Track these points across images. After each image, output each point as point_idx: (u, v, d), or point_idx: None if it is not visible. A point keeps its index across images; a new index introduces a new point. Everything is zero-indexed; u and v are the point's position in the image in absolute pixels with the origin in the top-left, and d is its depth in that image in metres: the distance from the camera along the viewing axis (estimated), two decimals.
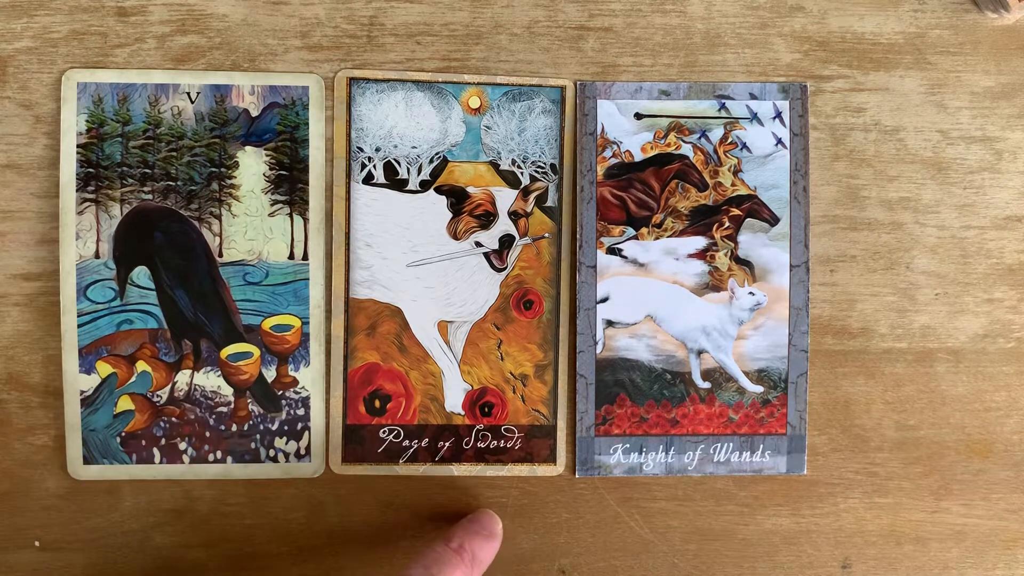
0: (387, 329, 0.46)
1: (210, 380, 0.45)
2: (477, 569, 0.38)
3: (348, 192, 0.46)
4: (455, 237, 0.46)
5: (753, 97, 0.47)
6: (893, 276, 0.47)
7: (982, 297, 0.48)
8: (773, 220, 0.47)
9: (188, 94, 0.45)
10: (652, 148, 0.47)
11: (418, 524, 0.46)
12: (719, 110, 0.47)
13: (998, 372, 0.48)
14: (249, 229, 0.45)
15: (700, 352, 0.47)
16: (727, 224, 0.47)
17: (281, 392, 0.46)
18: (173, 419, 0.45)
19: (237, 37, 0.45)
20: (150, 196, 0.45)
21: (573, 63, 0.47)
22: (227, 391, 0.45)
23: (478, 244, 0.46)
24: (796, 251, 0.47)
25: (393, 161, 0.46)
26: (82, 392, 0.45)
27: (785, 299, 0.47)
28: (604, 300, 0.47)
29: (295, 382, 0.46)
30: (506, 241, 0.46)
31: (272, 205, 0.45)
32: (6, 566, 0.45)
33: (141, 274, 0.45)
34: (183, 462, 0.45)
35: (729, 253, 0.47)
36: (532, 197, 0.47)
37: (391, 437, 0.46)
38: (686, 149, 0.47)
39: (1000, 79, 0.47)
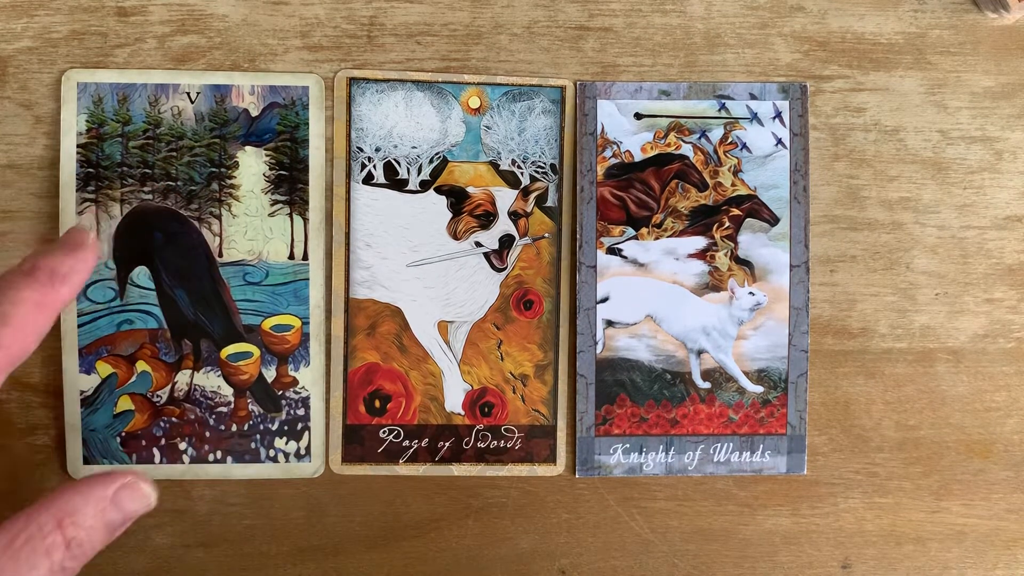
0: (387, 329, 0.46)
1: (210, 380, 0.45)
2: (63, 285, 0.32)
3: (348, 192, 0.46)
4: (455, 237, 0.46)
5: (753, 97, 0.47)
6: (893, 276, 0.47)
7: (982, 297, 0.48)
8: (773, 220, 0.47)
9: (188, 94, 0.45)
10: (652, 148, 0.47)
11: (418, 524, 0.46)
12: (719, 110, 0.47)
13: (998, 372, 0.48)
14: (249, 229, 0.45)
15: (700, 352, 0.47)
16: (727, 224, 0.47)
17: (281, 392, 0.46)
18: (173, 419, 0.45)
19: (237, 37, 0.45)
20: (150, 196, 0.45)
21: (573, 63, 0.47)
22: (227, 391, 0.45)
23: (478, 244, 0.46)
24: (796, 251, 0.47)
25: (393, 161, 0.46)
26: (82, 392, 0.45)
27: (785, 299, 0.47)
28: (604, 300, 0.47)
29: (295, 382, 0.46)
30: (506, 241, 0.46)
31: (272, 205, 0.45)
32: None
33: (141, 274, 0.45)
34: (183, 462, 0.45)
35: (729, 253, 0.47)
36: (532, 197, 0.47)
37: (391, 437, 0.46)
38: (686, 149, 0.47)
39: (1000, 79, 0.47)
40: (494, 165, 0.47)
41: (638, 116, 0.47)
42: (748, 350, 0.47)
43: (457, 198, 0.46)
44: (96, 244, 0.34)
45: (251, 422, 0.45)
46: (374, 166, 0.46)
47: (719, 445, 0.47)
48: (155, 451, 0.45)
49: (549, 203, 0.47)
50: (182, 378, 0.45)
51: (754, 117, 0.47)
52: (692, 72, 0.47)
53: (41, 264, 0.32)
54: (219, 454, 0.45)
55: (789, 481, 0.47)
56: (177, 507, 0.46)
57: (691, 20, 0.47)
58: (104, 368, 0.45)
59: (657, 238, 0.47)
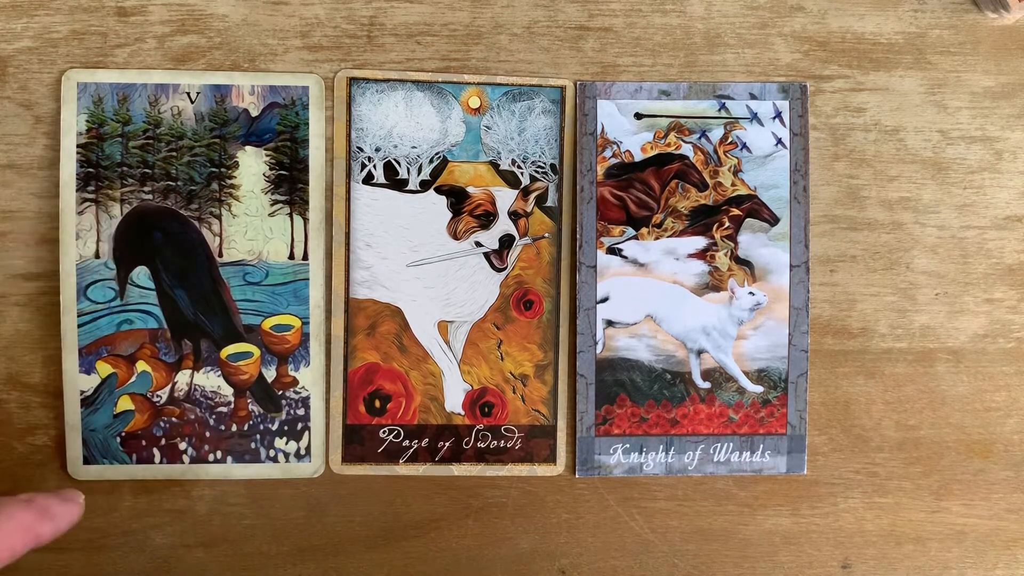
0: (387, 329, 0.46)
1: (210, 380, 0.45)
2: (48, 521, 0.37)
3: (348, 192, 0.46)
4: (455, 237, 0.46)
5: (753, 97, 0.47)
6: (893, 276, 0.47)
7: (982, 297, 0.48)
8: (773, 220, 0.47)
9: (188, 94, 0.45)
10: (652, 148, 0.47)
11: (418, 524, 0.46)
12: (719, 110, 0.47)
13: (998, 372, 0.48)
14: (249, 229, 0.45)
15: (700, 352, 0.47)
16: (727, 224, 0.47)
17: (281, 392, 0.46)
18: (173, 419, 0.45)
19: (237, 37, 0.45)
20: (150, 196, 0.45)
21: (573, 63, 0.47)
22: (227, 391, 0.45)
23: (478, 244, 0.46)
24: (796, 251, 0.47)
25: (393, 161, 0.46)
26: (82, 392, 0.45)
27: (785, 299, 0.47)
28: (604, 300, 0.47)
29: (295, 382, 0.46)
30: (506, 241, 0.46)
31: (272, 205, 0.45)
32: (6, 565, 0.45)
33: (141, 274, 0.45)
34: (183, 462, 0.45)
35: (729, 253, 0.47)
36: (532, 197, 0.47)
37: (391, 437, 0.46)
38: (686, 149, 0.47)
39: (1000, 79, 0.47)
40: (494, 165, 0.47)
41: (638, 116, 0.47)
42: (748, 350, 0.47)
43: (457, 198, 0.46)
44: (83, 505, 0.39)
45: (251, 422, 0.45)
46: (374, 166, 0.46)
47: (719, 445, 0.47)
48: (155, 451, 0.45)
49: (549, 203, 0.47)
50: (182, 378, 0.45)
51: (754, 117, 0.47)
52: (692, 72, 0.47)
53: (38, 500, 0.37)
54: (219, 454, 0.45)
55: (789, 481, 0.47)
56: (177, 507, 0.46)
57: (691, 20, 0.47)
58: (104, 368, 0.45)
59: (657, 238, 0.47)
